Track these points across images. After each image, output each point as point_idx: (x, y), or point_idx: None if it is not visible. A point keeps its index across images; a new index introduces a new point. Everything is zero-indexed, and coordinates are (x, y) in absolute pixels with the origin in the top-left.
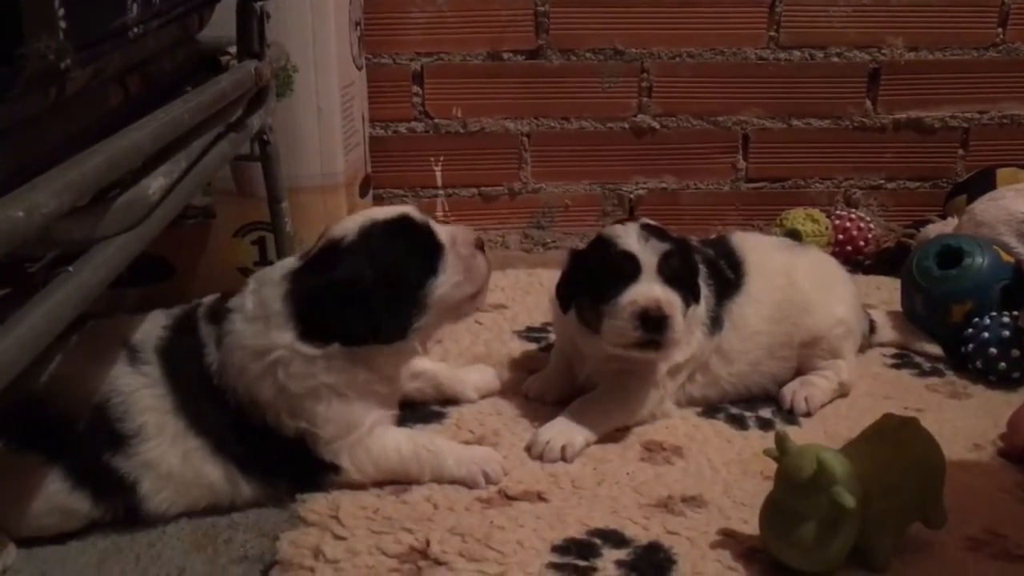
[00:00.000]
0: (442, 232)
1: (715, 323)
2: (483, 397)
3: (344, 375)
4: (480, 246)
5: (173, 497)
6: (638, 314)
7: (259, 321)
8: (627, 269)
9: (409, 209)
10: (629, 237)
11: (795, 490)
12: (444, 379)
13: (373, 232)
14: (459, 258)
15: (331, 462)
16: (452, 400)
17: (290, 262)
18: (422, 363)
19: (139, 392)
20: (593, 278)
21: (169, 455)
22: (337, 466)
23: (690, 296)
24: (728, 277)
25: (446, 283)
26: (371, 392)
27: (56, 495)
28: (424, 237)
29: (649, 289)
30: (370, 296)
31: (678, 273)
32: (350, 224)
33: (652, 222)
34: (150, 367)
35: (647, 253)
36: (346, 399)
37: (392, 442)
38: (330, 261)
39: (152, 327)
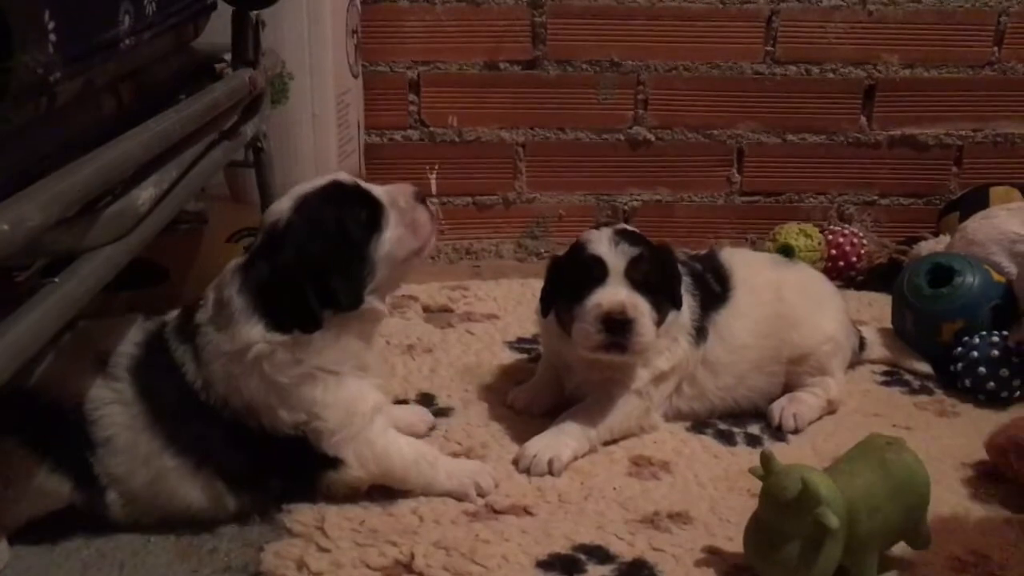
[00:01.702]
0: (378, 190)
1: (700, 333)
2: None
3: (329, 351)
4: (421, 199)
5: (139, 512)
6: (602, 317)
7: (226, 324)
8: (595, 273)
9: (339, 174)
10: (600, 242)
11: (780, 509)
12: None
13: (306, 205)
14: (400, 212)
15: (333, 456)
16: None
17: (239, 259)
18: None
19: (111, 406)
20: (566, 282)
21: (138, 475)
22: (338, 461)
23: (666, 301)
24: (714, 289)
25: (390, 239)
26: (358, 360)
27: (34, 476)
28: (359, 198)
29: (614, 293)
30: (318, 271)
31: (648, 278)
32: (284, 203)
33: (630, 228)
34: (121, 385)
35: (615, 257)
36: (339, 377)
37: (395, 443)
38: (272, 246)
39: (127, 345)
